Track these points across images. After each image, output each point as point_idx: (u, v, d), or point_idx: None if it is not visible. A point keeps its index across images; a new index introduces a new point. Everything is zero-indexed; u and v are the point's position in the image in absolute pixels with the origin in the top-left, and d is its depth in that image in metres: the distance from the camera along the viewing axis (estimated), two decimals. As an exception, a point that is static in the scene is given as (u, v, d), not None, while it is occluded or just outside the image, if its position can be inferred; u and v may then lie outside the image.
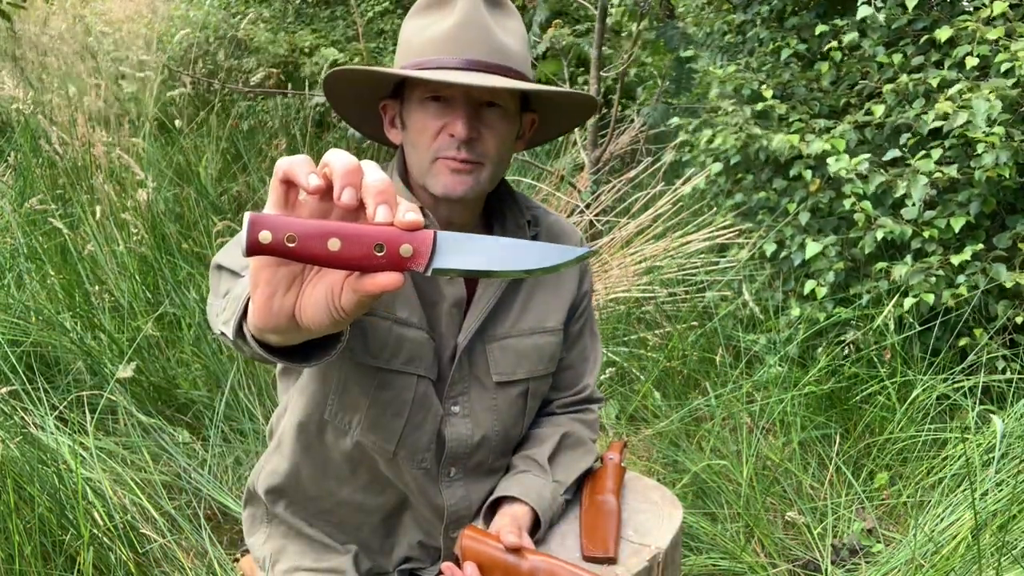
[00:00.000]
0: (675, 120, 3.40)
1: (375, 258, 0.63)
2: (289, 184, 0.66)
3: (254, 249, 0.63)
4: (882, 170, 2.60)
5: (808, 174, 2.77)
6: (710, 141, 2.99)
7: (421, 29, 1.12)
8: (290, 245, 0.62)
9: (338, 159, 0.64)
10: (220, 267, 1.00)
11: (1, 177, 3.58)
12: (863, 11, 2.74)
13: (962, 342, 2.52)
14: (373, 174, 0.65)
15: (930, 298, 2.41)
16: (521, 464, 1.28)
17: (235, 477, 2.26)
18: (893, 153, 2.60)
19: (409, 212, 0.64)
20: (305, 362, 0.81)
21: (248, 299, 0.78)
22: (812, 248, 2.65)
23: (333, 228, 0.63)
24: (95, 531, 1.78)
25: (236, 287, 0.90)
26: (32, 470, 1.84)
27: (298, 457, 1.21)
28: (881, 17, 2.77)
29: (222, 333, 0.87)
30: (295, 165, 0.65)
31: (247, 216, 0.62)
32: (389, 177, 1.30)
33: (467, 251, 0.67)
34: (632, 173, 3.65)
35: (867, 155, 2.61)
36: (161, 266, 2.90)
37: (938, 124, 2.47)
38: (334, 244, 0.63)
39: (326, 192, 0.65)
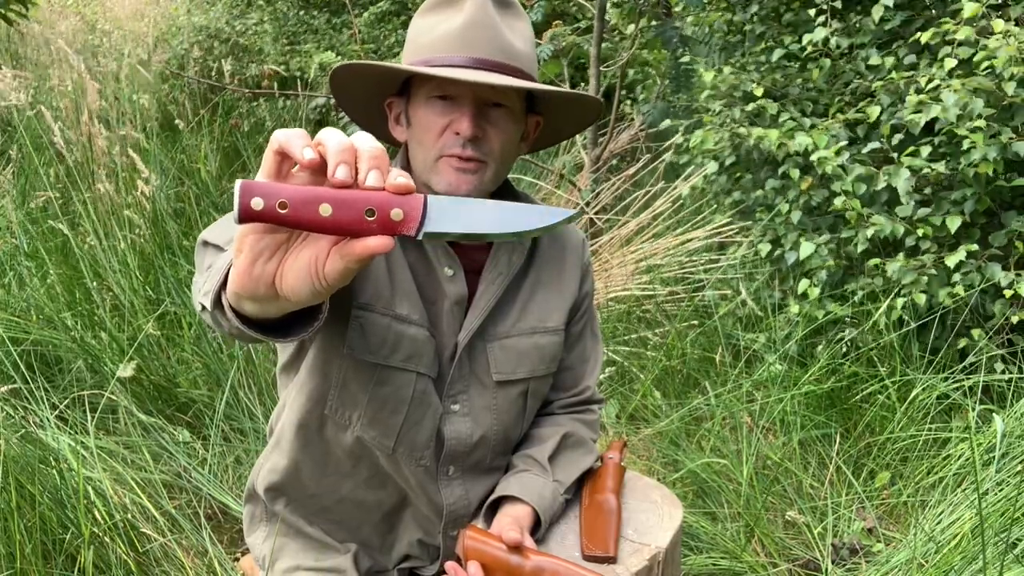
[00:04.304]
0: (666, 122, 3.40)
1: (366, 223, 0.64)
2: (283, 156, 0.66)
3: (246, 215, 0.63)
4: (866, 164, 2.60)
5: (796, 173, 2.77)
6: (701, 143, 3.00)
7: (430, 27, 1.13)
8: (282, 211, 0.63)
9: (333, 137, 0.65)
10: (206, 243, 1.00)
11: (2, 173, 3.57)
12: (819, 32, 2.82)
13: (961, 343, 2.52)
14: (366, 142, 0.66)
15: (921, 299, 2.41)
16: (521, 464, 1.28)
17: (235, 476, 2.26)
18: (873, 145, 2.61)
19: (399, 177, 0.65)
20: (283, 338, 0.82)
21: (228, 269, 0.78)
22: (806, 249, 2.65)
23: (324, 194, 0.63)
24: (95, 530, 1.78)
25: (218, 260, 0.90)
26: (33, 469, 1.84)
27: (298, 453, 1.21)
28: (835, 41, 2.83)
29: (203, 307, 0.88)
30: (291, 137, 0.65)
31: (238, 183, 0.63)
32: None
33: (458, 215, 0.67)
34: (632, 171, 3.65)
35: (844, 144, 2.63)
36: (162, 263, 2.90)
37: (917, 117, 2.47)
38: (325, 209, 0.63)
39: (319, 168, 0.66)
